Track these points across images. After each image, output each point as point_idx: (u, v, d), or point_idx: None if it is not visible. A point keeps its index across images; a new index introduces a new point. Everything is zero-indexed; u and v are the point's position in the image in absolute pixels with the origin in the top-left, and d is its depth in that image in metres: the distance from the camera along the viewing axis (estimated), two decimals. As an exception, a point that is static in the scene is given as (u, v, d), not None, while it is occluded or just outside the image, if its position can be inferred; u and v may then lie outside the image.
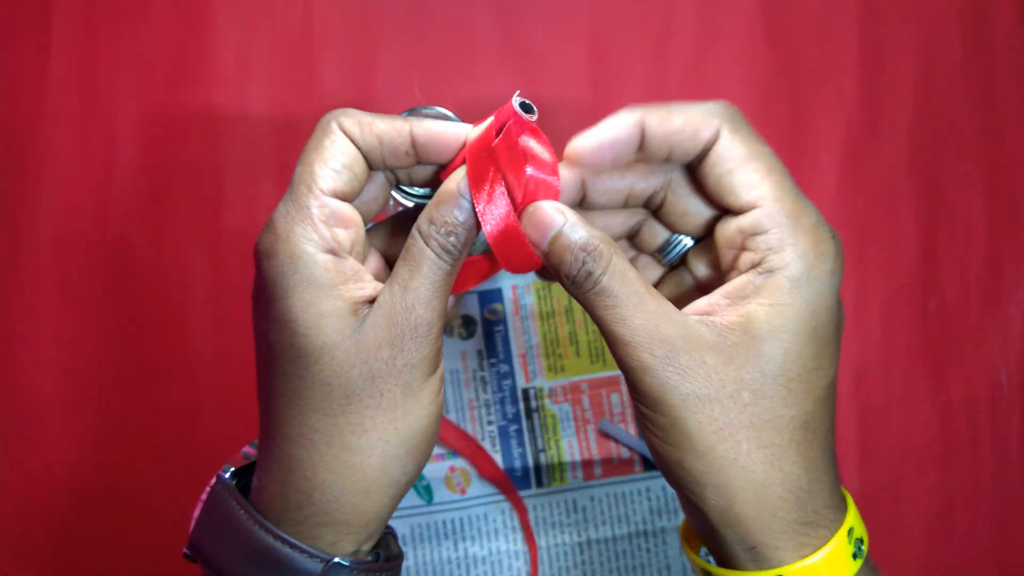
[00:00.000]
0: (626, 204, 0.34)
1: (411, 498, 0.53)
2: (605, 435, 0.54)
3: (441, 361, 0.32)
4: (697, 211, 0.33)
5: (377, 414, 0.30)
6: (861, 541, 0.31)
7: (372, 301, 0.30)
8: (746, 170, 0.30)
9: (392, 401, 0.30)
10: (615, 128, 0.31)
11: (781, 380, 0.29)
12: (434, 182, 0.33)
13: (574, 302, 0.55)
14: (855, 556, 0.30)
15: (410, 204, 0.43)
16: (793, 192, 0.30)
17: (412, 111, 0.42)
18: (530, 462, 0.53)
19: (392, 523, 0.42)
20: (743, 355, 0.29)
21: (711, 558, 0.33)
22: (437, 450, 0.53)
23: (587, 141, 0.31)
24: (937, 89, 0.57)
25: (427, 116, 0.43)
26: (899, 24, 0.57)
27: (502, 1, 0.57)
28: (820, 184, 0.56)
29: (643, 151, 0.31)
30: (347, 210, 0.31)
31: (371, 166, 0.32)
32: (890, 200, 0.55)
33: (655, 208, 0.34)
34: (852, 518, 0.31)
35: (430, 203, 0.31)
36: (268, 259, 0.29)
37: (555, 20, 0.57)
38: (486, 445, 0.53)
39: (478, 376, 0.54)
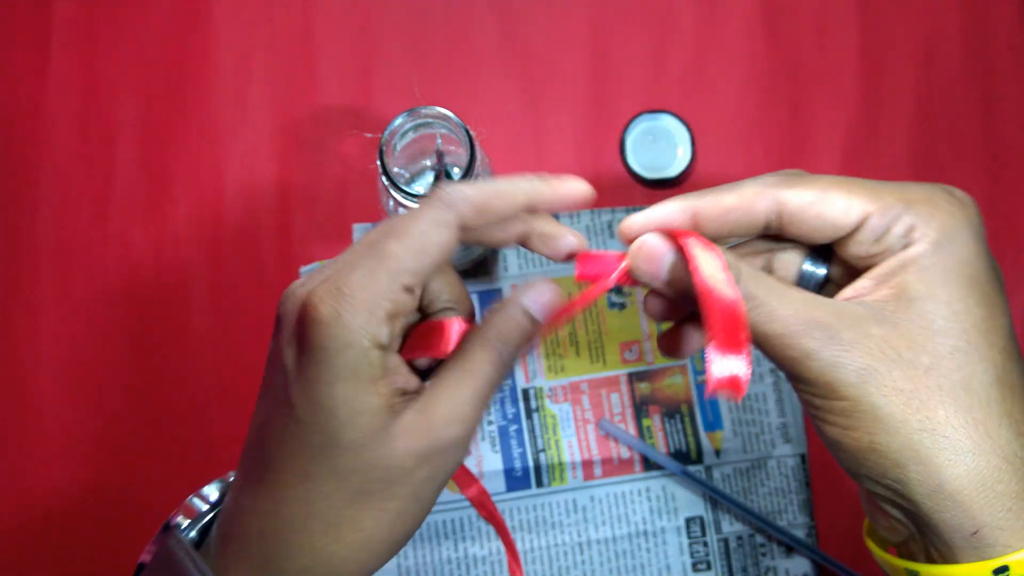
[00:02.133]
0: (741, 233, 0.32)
1: (411, 498, 0.53)
2: (605, 435, 0.54)
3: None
4: (793, 257, 0.32)
5: (380, 516, 0.29)
6: None
7: (405, 393, 0.29)
8: (830, 201, 0.29)
9: (399, 507, 0.29)
10: (666, 213, 0.30)
11: (957, 334, 0.27)
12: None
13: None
14: None
15: (412, 204, 0.43)
16: (885, 185, 0.29)
17: (412, 111, 0.42)
18: (530, 462, 0.53)
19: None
20: (908, 319, 0.28)
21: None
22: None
23: (634, 222, 0.31)
24: (937, 89, 0.57)
25: (427, 116, 0.43)
26: (899, 24, 0.57)
27: (502, 1, 0.57)
28: (820, 184, 0.56)
29: (783, 226, 0.30)
30: (412, 302, 0.29)
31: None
32: (890, 200, 0.55)
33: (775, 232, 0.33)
34: None
35: (496, 315, 0.30)
36: (320, 331, 0.27)
37: (555, 20, 0.57)
38: (486, 445, 0.53)
39: (478, 376, 0.54)
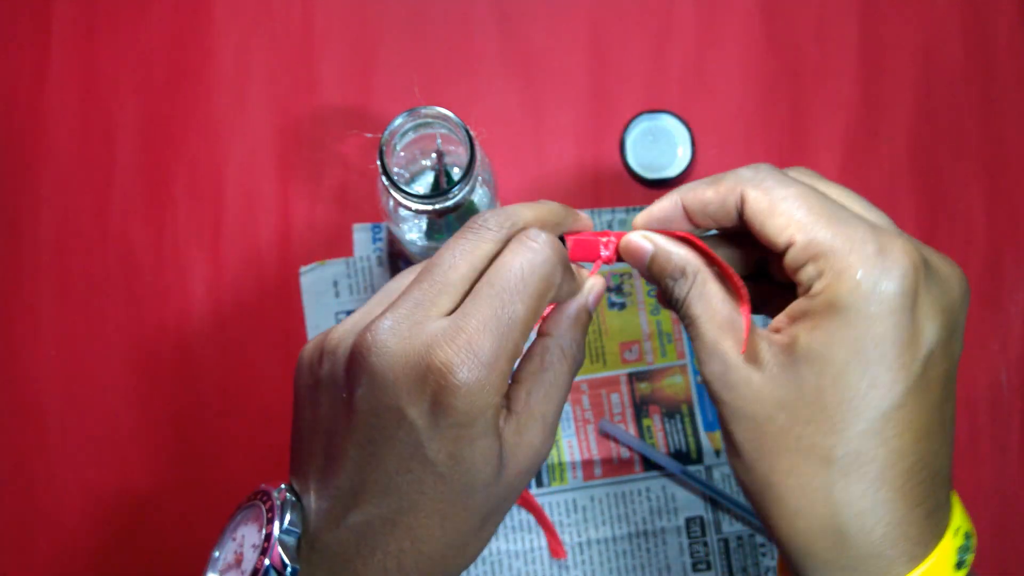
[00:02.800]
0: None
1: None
2: (605, 435, 0.54)
3: None
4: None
5: (491, 528, 0.32)
6: None
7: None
8: (775, 215, 0.30)
9: (495, 521, 0.32)
10: (660, 207, 0.33)
11: (817, 406, 0.28)
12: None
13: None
14: None
15: (412, 205, 0.43)
16: (830, 219, 0.29)
17: (412, 111, 0.42)
18: (530, 462, 0.53)
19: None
20: (783, 377, 0.29)
21: None
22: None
23: (641, 218, 0.33)
24: (937, 89, 0.57)
25: (427, 116, 0.43)
26: (899, 24, 0.57)
27: (502, 1, 0.57)
28: (820, 184, 0.56)
29: (697, 225, 0.33)
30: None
31: None
32: (890, 200, 0.55)
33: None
34: (942, 554, 0.29)
35: (566, 322, 0.32)
36: (460, 396, 0.28)
37: (555, 20, 0.57)
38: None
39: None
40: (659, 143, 0.56)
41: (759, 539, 0.53)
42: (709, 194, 0.31)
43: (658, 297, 0.34)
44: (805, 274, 0.29)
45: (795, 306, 0.30)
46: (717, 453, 0.54)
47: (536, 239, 0.30)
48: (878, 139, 0.56)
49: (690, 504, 0.53)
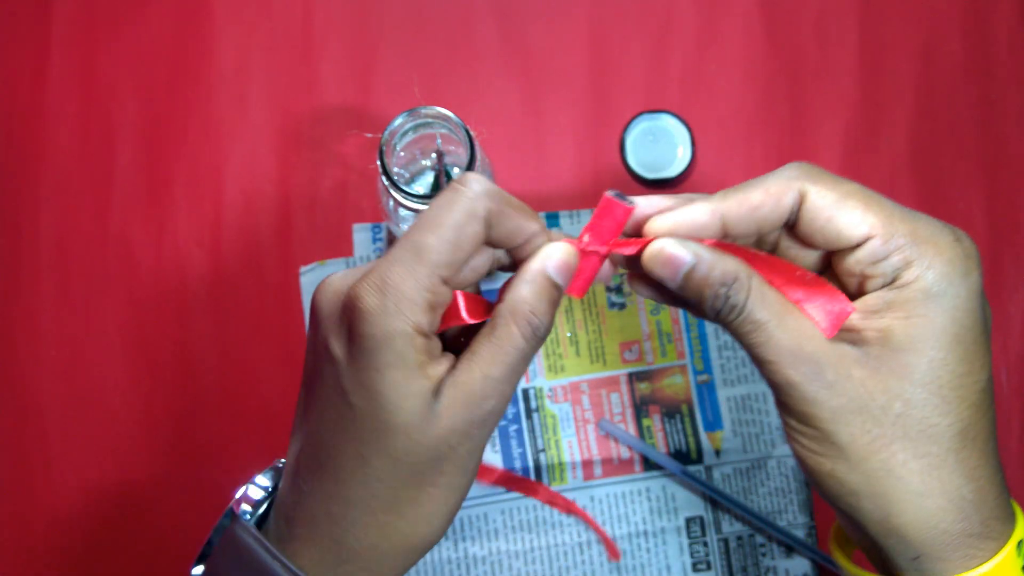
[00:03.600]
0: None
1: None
2: (605, 435, 0.54)
3: None
4: (806, 254, 0.33)
5: (434, 492, 0.31)
6: None
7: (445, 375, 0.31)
8: (845, 211, 0.30)
9: (448, 482, 0.31)
10: (691, 218, 0.31)
11: (931, 388, 0.29)
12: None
13: (574, 301, 0.55)
14: None
15: (412, 205, 0.43)
16: (900, 212, 0.30)
17: (412, 111, 0.42)
18: (530, 462, 0.53)
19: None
20: (888, 367, 0.29)
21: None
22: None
23: (663, 224, 0.31)
24: (937, 89, 0.57)
25: (427, 116, 0.43)
26: (899, 24, 0.57)
27: (502, 1, 0.57)
28: (820, 184, 0.56)
29: (729, 234, 0.31)
30: (449, 292, 0.30)
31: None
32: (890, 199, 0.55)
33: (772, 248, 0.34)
34: (1022, 530, 0.31)
35: (520, 286, 0.30)
36: (367, 321, 0.29)
37: (555, 20, 0.57)
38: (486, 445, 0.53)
39: (478, 376, 0.54)
40: (659, 143, 0.56)
41: (759, 539, 0.53)
42: (757, 197, 0.30)
43: (691, 310, 0.33)
44: (888, 266, 0.30)
45: (875, 298, 0.30)
46: (717, 453, 0.54)
47: (464, 182, 0.30)
48: (878, 139, 0.56)
49: (690, 504, 0.53)
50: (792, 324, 0.30)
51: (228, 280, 0.55)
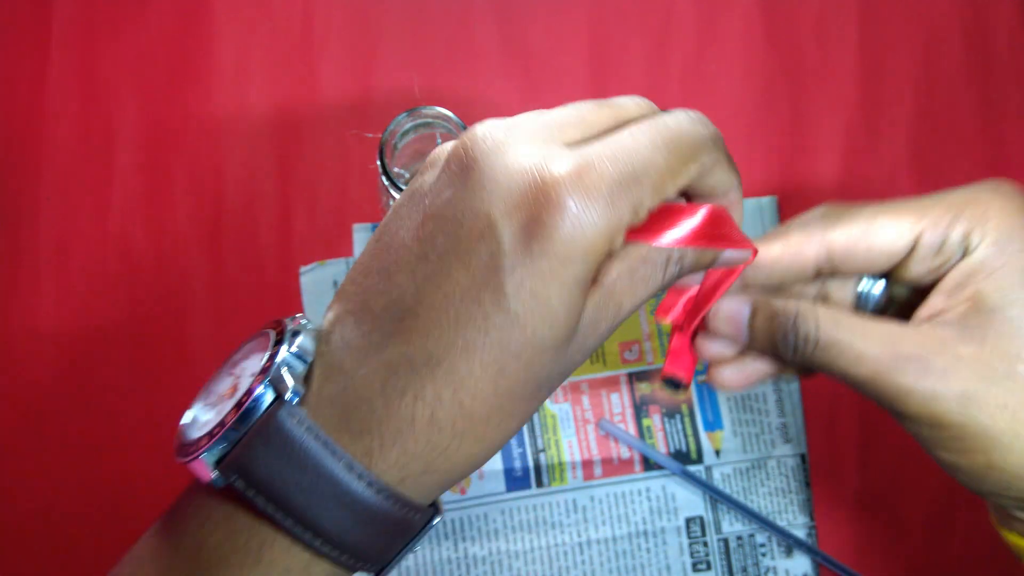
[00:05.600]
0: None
1: (411, 498, 0.53)
2: (605, 435, 0.54)
3: None
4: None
5: (530, 409, 0.27)
6: None
7: None
8: (878, 233, 0.30)
9: (541, 399, 0.28)
10: (792, 246, 0.30)
11: None
12: None
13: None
14: None
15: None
16: (922, 200, 0.30)
17: (412, 111, 0.42)
18: (530, 462, 0.53)
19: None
20: (993, 332, 0.27)
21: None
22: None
23: (770, 252, 0.31)
24: (937, 89, 0.57)
25: (427, 116, 0.43)
26: (899, 24, 0.57)
27: (502, 1, 0.57)
28: (820, 184, 0.56)
29: (835, 266, 0.30)
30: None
31: None
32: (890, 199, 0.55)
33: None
34: None
35: (686, 248, 0.28)
36: (574, 225, 0.24)
37: (555, 20, 0.57)
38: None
39: (478, 376, 0.54)
40: (659, 143, 0.56)
41: (759, 539, 0.53)
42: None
43: (772, 361, 0.31)
44: (951, 245, 0.29)
45: (952, 276, 0.29)
46: (717, 453, 0.54)
47: (691, 113, 0.27)
48: (878, 139, 0.56)
49: (690, 504, 0.53)
50: (876, 331, 0.28)
51: (228, 280, 0.55)
